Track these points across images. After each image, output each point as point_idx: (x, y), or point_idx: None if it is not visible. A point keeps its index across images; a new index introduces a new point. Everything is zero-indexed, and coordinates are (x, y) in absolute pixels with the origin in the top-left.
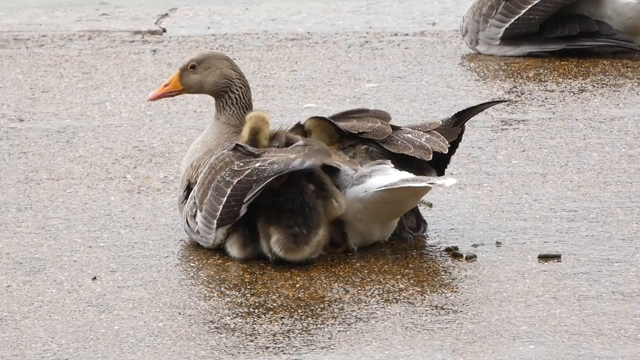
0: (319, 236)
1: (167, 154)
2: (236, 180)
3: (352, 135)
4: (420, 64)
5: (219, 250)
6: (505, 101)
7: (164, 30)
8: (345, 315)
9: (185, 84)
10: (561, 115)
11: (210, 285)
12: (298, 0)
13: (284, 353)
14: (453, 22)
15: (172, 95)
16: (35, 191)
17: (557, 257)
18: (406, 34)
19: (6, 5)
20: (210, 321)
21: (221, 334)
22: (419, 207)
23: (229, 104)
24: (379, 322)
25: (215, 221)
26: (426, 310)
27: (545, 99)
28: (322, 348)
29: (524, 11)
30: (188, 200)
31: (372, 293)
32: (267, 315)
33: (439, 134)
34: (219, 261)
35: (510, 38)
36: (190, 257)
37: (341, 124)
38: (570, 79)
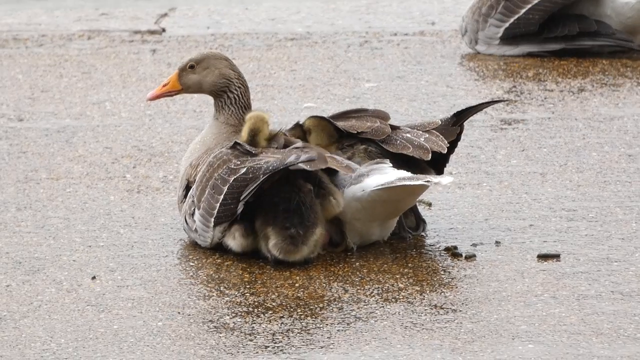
0: (316, 235)
1: (166, 153)
2: (232, 178)
3: (351, 134)
4: (419, 64)
5: (218, 249)
6: (504, 101)
7: (164, 30)
8: (344, 315)
9: (184, 83)
10: (560, 114)
11: (209, 285)
12: None
13: (283, 352)
14: (452, 22)
15: (171, 95)
16: (35, 191)
17: (556, 256)
18: (406, 34)
19: (5, 5)
20: (210, 320)
21: (220, 333)
22: (418, 207)
23: (227, 104)
24: (378, 322)
25: (212, 219)
26: (425, 309)
27: (545, 98)
28: (322, 347)
29: (523, 11)
30: (187, 199)
31: (372, 292)
32: (266, 315)
33: (437, 133)
34: (218, 260)
35: (509, 38)
36: (190, 257)
37: (340, 124)
38: (569, 78)
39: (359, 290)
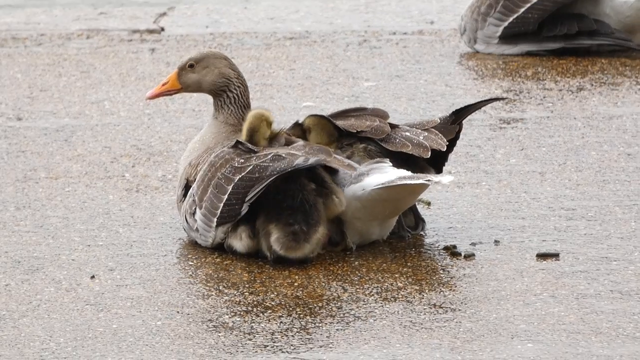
0: (319, 234)
1: (165, 152)
2: (237, 177)
3: (350, 134)
4: (418, 63)
5: (218, 249)
6: (503, 99)
7: (163, 29)
8: (343, 314)
9: (184, 82)
10: (559, 113)
11: (208, 284)
12: None
13: (283, 352)
14: (451, 21)
15: (170, 94)
16: (34, 190)
17: (555, 255)
18: (404, 33)
19: (4, 4)
20: (209, 320)
21: (219, 332)
22: (418, 206)
23: (227, 103)
24: (377, 321)
25: (215, 219)
26: (424, 308)
27: (544, 97)
28: (321, 347)
29: (522, 10)
30: (187, 198)
31: (371, 292)
32: (265, 314)
33: (437, 131)
34: (218, 260)
35: (508, 37)
36: (189, 256)
37: (340, 123)
38: (568, 77)
39: (358, 290)
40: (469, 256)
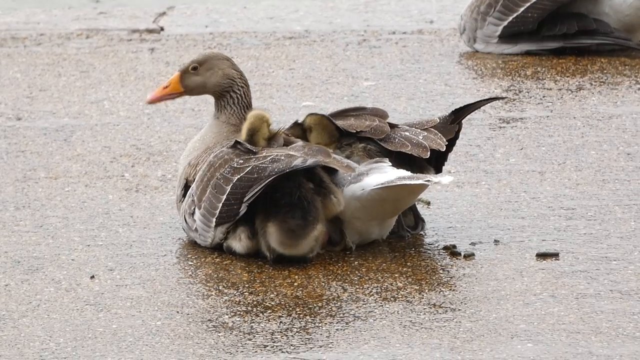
0: (317, 231)
1: (165, 152)
2: (236, 178)
3: (350, 133)
4: (418, 62)
5: (217, 249)
6: (502, 98)
7: (162, 29)
8: (343, 314)
9: (187, 86)
10: (559, 113)
11: (208, 284)
12: None
13: (282, 352)
14: (451, 20)
15: (172, 98)
16: (33, 190)
17: (555, 255)
18: (404, 32)
19: (4, 4)
20: (209, 320)
21: (219, 332)
22: (417, 206)
23: (230, 104)
24: (377, 321)
25: (214, 219)
26: (424, 308)
27: (543, 97)
28: (320, 347)
29: (522, 9)
30: (186, 198)
31: (370, 291)
32: (265, 314)
33: (436, 131)
34: (217, 260)
35: (508, 36)
36: (189, 256)
37: (339, 123)
38: (568, 77)
39: (357, 290)
40: (469, 256)
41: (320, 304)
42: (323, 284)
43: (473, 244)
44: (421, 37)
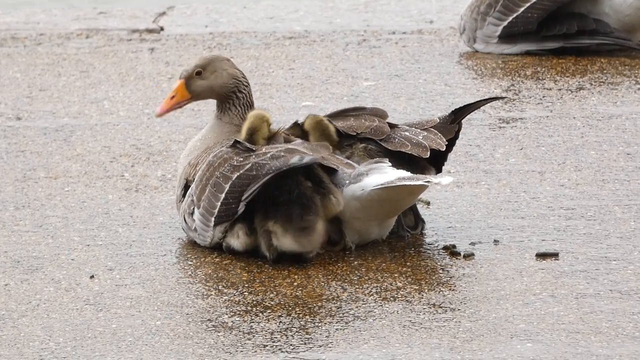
0: (320, 225)
1: (164, 152)
2: (235, 176)
3: (350, 135)
4: (417, 62)
5: (217, 248)
6: (502, 98)
7: (162, 29)
8: (343, 314)
9: (194, 91)
10: (559, 113)
11: (208, 284)
12: None
13: (282, 351)
14: (451, 20)
15: (181, 106)
16: (33, 189)
17: (554, 255)
18: (404, 32)
19: (4, 3)
20: (208, 319)
21: (219, 332)
22: (417, 205)
23: (235, 105)
24: (376, 321)
25: (213, 218)
26: (424, 308)
27: (543, 97)
28: (320, 346)
29: (522, 9)
30: (186, 198)
31: (370, 291)
32: (264, 314)
33: (436, 131)
34: (217, 259)
35: (508, 36)
36: (188, 256)
37: (339, 124)
38: (567, 77)
39: (357, 289)
40: (469, 256)
41: (319, 304)
42: (323, 283)
43: (473, 244)
44: (421, 37)
